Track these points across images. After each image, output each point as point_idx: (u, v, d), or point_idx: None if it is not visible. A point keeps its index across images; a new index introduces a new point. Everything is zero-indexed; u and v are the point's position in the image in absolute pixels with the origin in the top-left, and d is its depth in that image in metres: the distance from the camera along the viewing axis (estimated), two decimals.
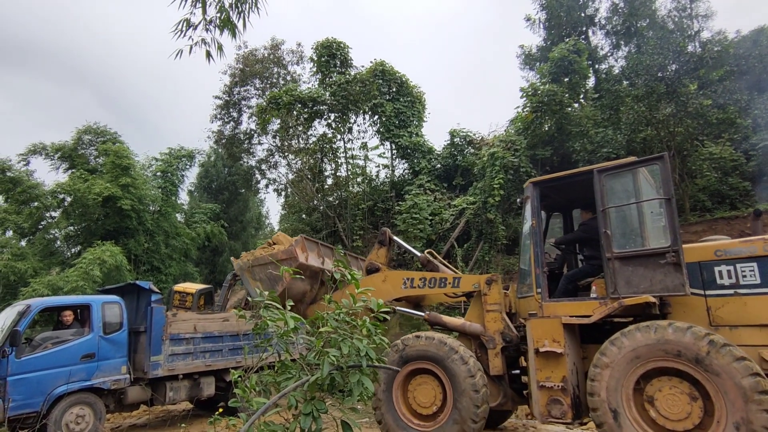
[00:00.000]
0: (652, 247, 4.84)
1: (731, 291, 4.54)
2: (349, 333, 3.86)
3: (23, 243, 16.76)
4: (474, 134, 17.22)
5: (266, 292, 4.35)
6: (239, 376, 3.70)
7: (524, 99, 14.88)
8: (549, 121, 14.36)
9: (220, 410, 4.12)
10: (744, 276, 4.50)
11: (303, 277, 6.48)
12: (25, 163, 16.97)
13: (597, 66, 17.50)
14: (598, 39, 18.19)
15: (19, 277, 14.19)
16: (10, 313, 7.58)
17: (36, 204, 16.53)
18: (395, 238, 7.42)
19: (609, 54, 17.72)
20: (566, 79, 14.86)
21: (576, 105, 14.81)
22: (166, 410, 10.71)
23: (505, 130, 16.69)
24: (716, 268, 4.64)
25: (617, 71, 16.43)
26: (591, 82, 16.61)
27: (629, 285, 4.77)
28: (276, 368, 3.98)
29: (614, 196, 5.19)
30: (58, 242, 18.07)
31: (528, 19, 19.14)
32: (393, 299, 6.70)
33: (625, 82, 13.83)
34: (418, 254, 7.19)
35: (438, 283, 6.31)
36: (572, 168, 13.88)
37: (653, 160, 5.07)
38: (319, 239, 17.97)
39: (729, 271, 4.57)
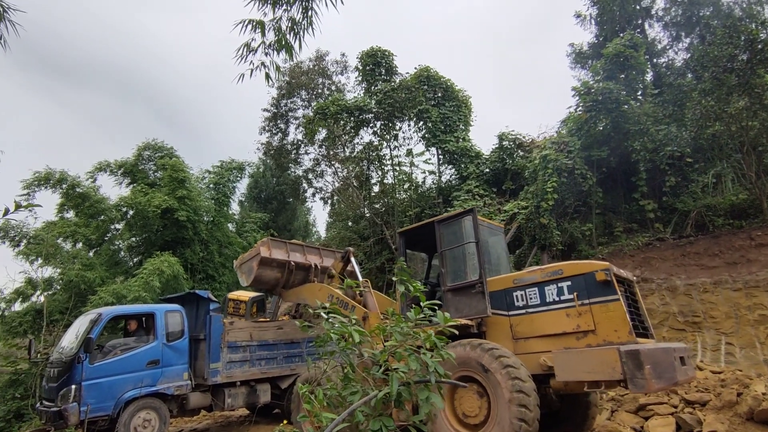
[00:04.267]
0: (468, 281, 6.06)
1: (524, 311, 5.66)
2: (414, 347, 3.73)
3: (91, 254, 17.81)
4: (524, 137, 16.69)
5: (326, 304, 4.30)
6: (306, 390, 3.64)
7: (577, 98, 14.28)
8: (604, 120, 13.66)
9: (285, 422, 4.13)
10: (531, 298, 5.64)
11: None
12: (92, 180, 18.11)
13: (655, 60, 16.52)
14: (655, 32, 17.22)
15: (88, 285, 15.06)
16: (83, 321, 8.01)
17: (102, 217, 17.54)
18: (352, 259, 9.07)
19: (668, 47, 16.69)
20: (622, 76, 14.10)
21: (634, 102, 14.01)
22: (224, 416, 10.99)
23: (556, 132, 16.07)
24: (514, 293, 5.78)
25: (679, 64, 15.44)
26: (649, 77, 15.68)
27: (457, 311, 5.94)
28: (340, 381, 3.91)
29: (447, 241, 6.50)
30: (122, 252, 19.10)
31: (578, 16, 18.43)
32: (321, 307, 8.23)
33: (689, 76, 12.94)
34: (360, 278, 8.85)
35: (344, 306, 7.56)
36: (632, 168, 13.20)
37: (467, 213, 6.41)
38: (367, 247, 18.10)
39: (522, 295, 5.72)
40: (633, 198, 13.66)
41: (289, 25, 4.60)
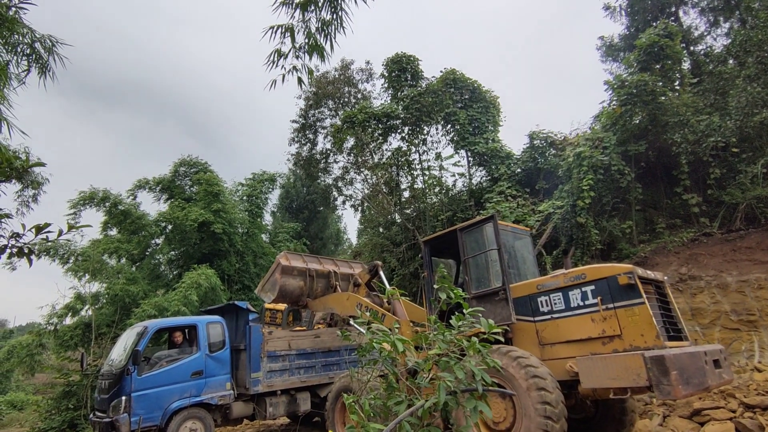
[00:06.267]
0: (492, 288, 6.10)
1: (549, 316, 5.63)
2: (458, 355, 3.66)
3: (134, 268, 18.51)
4: (555, 134, 16.28)
5: (363, 313, 4.28)
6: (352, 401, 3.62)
7: (610, 92, 13.84)
8: (641, 114, 13.16)
9: None
10: (555, 304, 5.61)
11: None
12: (133, 197, 18.85)
13: (692, 48, 15.83)
14: (691, 19, 16.52)
15: (132, 299, 15.64)
16: (130, 334, 8.28)
17: (143, 233, 18.22)
18: (381, 272, 9.06)
19: (706, 33, 15.97)
20: (657, 67, 13.57)
21: (671, 93, 13.45)
22: (266, 425, 11.12)
23: (590, 128, 15.61)
24: (539, 299, 5.76)
25: (719, 51, 14.73)
26: (687, 66, 15.02)
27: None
28: (383, 390, 3.87)
29: (470, 249, 6.52)
30: (162, 266, 19.76)
31: (607, 8, 17.92)
32: (349, 315, 8.35)
33: (731, 62, 12.30)
34: (389, 287, 8.74)
35: (375, 314, 7.50)
36: (673, 162, 12.66)
37: (488, 220, 6.40)
38: (400, 252, 18.04)
39: (546, 301, 5.70)
40: (675, 192, 13.08)
41: (319, 26, 4.56)
